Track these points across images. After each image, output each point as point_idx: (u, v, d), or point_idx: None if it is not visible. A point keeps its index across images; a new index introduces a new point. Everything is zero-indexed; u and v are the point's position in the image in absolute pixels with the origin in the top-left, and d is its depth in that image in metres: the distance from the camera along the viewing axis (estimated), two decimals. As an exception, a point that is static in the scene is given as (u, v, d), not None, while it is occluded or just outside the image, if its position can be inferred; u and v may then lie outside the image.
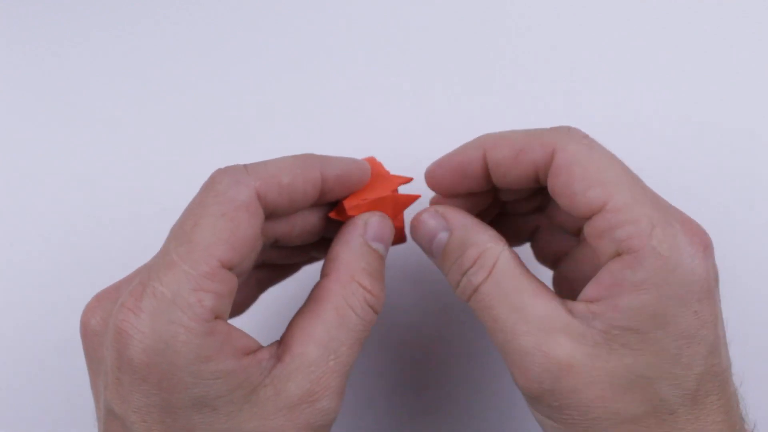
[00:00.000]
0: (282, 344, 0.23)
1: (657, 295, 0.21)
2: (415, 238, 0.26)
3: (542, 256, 0.30)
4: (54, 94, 0.36)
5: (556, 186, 0.23)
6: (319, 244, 0.29)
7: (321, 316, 0.23)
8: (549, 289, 0.24)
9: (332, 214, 0.26)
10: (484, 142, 0.25)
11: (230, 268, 0.21)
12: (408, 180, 0.27)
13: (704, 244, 0.22)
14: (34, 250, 0.35)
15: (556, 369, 0.22)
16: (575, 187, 0.23)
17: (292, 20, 0.36)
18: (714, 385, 0.22)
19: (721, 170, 0.34)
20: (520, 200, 0.28)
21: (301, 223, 0.26)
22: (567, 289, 0.28)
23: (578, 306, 0.22)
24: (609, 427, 0.22)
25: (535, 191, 0.27)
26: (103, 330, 0.22)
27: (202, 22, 0.37)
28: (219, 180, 0.22)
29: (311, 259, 0.30)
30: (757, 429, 0.24)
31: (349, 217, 0.25)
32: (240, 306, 0.28)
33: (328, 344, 0.23)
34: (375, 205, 0.26)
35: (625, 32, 0.36)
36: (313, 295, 0.24)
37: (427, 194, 0.28)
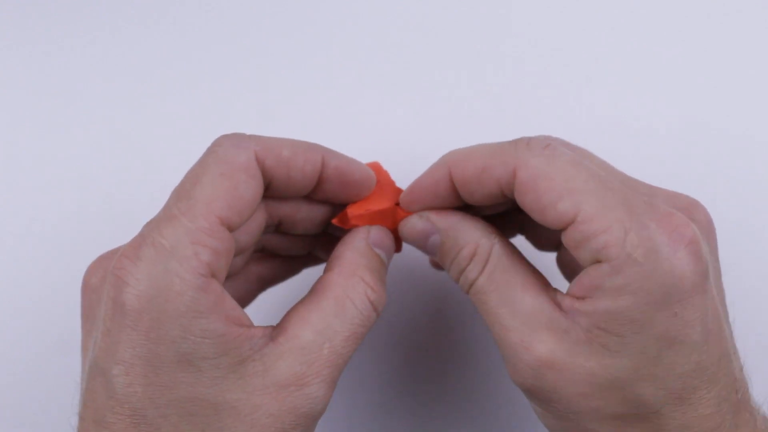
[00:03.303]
0: (277, 328, 0.23)
1: (634, 301, 0.21)
2: (408, 242, 0.27)
3: (538, 246, 0.30)
4: (53, 92, 0.36)
5: (524, 203, 0.23)
6: (322, 243, 0.29)
7: (320, 304, 0.23)
8: (540, 280, 0.24)
9: (335, 221, 0.27)
10: (448, 161, 0.25)
11: (228, 228, 0.22)
12: None
13: (686, 239, 0.21)
14: (32, 249, 0.35)
15: (538, 366, 0.22)
16: (543, 201, 0.22)
17: (291, 20, 0.36)
18: (701, 380, 0.22)
19: (721, 170, 0.34)
20: (497, 212, 0.28)
21: (306, 210, 0.26)
22: (570, 269, 0.28)
23: (566, 300, 0.23)
24: (593, 420, 0.22)
25: (510, 202, 0.27)
26: (102, 286, 0.22)
27: (201, 22, 0.37)
28: (220, 143, 0.23)
29: (314, 260, 0.30)
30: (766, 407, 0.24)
31: (352, 226, 0.26)
32: (239, 302, 0.28)
33: (323, 331, 0.23)
34: (377, 216, 0.26)
35: (625, 32, 0.36)
36: (315, 287, 0.24)
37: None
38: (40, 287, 0.35)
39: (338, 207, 0.27)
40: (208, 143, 0.35)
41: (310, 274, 0.31)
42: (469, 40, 0.36)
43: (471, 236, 0.25)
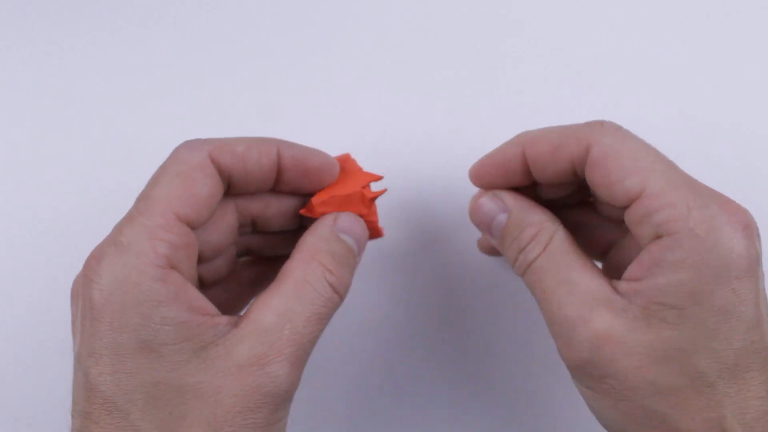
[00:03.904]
0: (242, 316, 0.24)
1: (695, 274, 0.22)
2: (474, 221, 0.28)
3: (589, 248, 0.30)
4: (53, 92, 0.36)
5: (594, 178, 0.25)
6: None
7: (279, 289, 0.24)
8: (597, 267, 0.25)
9: (303, 211, 0.27)
10: (522, 139, 0.26)
11: (188, 224, 0.23)
12: (378, 178, 0.28)
13: (744, 224, 0.23)
14: (32, 248, 0.35)
15: (596, 338, 0.23)
16: (612, 177, 0.24)
17: (291, 20, 0.36)
18: (755, 361, 0.22)
19: (721, 170, 0.34)
20: (560, 196, 0.29)
21: (276, 205, 0.27)
22: (616, 278, 0.29)
23: (621, 284, 0.24)
24: (647, 396, 0.22)
25: (574, 186, 0.28)
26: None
27: (201, 22, 0.37)
28: (177, 148, 0.25)
29: None
30: None
31: (320, 215, 0.26)
32: (230, 306, 0.29)
33: (284, 313, 0.23)
34: (343, 202, 0.27)
35: (625, 32, 0.36)
36: (278, 275, 0.25)
37: (393, 187, 0.28)
38: (40, 287, 0.35)
39: (308, 198, 0.27)
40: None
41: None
42: (469, 40, 0.36)
43: (537, 218, 0.26)
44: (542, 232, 0.25)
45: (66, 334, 0.33)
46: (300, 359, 0.23)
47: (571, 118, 0.35)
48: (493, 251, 0.33)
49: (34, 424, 0.34)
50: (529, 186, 0.28)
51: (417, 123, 0.35)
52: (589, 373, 0.23)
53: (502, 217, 0.27)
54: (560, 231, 0.26)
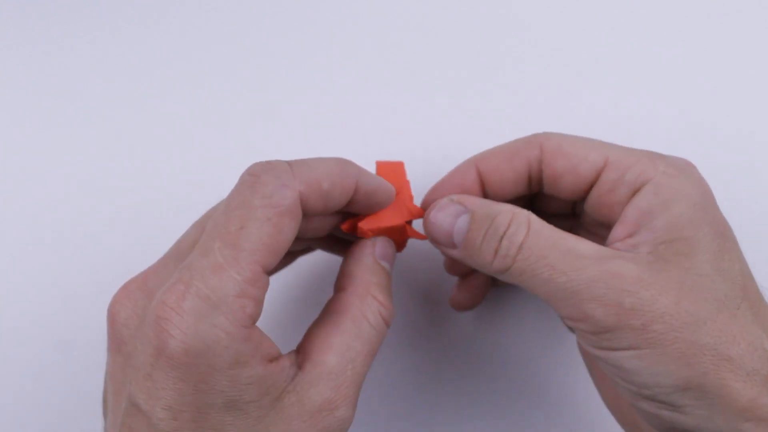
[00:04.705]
0: (301, 353, 0.24)
1: (686, 204, 0.23)
2: (434, 236, 0.27)
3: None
4: (53, 92, 0.36)
5: (556, 168, 0.26)
6: (321, 238, 0.29)
7: (339, 326, 0.24)
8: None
9: (345, 227, 0.27)
10: (474, 159, 0.28)
11: (266, 270, 0.22)
12: (422, 214, 0.28)
13: (694, 167, 0.25)
14: (32, 248, 0.35)
15: (630, 284, 0.22)
16: (574, 159, 0.26)
17: (291, 20, 0.36)
18: (753, 282, 0.24)
19: (721, 170, 0.34)
20: None
21: (319, 220, 0.26)
22: None
23: (615, 245, 0.24)
24: (695, 331, 0.22)
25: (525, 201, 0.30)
26: (135, 323, 0.23)
27: (201, 22, 0.37)
28: (265, 181, 0.22)
29: (308, 250, 0.31)
30: None
31: (363, 235, 0.27)
32: None
33: (345, 353, 0.23)
34: (388, 231, 0.27)
35: (625, 32, 0.36)
36: (331, 308, 0.25)
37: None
38: (40, 287, 0.35)
39: (348, 214, 0.27)
40: (208, 143, 0.35)
41: (303, 265, 0.31)
42: (468, 40, 0.36)
43: (504, 207, 0.25)
44: (518, 214, 0.24)
45: (64, 332, 0.33)
46: (357, 397, 0.24)
47: (571, 118, 0.35)
48: (461, 268, 0.32)
49: None
50: None
51: (417, 123, 0.35)
52: (632, 326, 0.22)
53: (463, 219, 0.26)
54: (533, 214, 0.25)
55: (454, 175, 0.28)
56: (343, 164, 0.25)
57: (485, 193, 0.28)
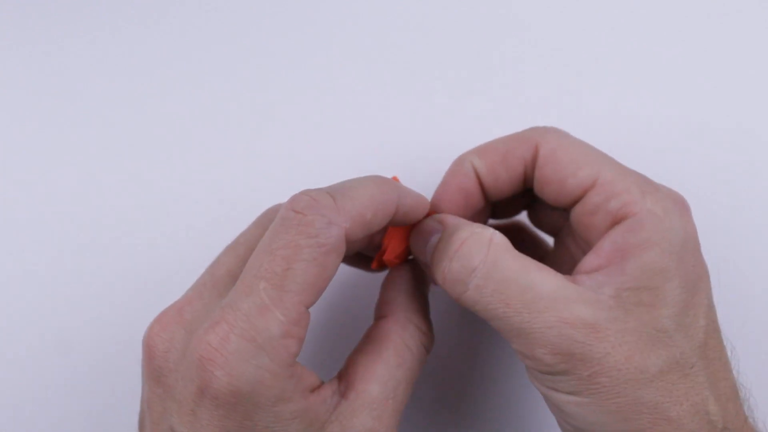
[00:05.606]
0: (343, 381, 0.24)
1: (660, 252, 0.22)
2: (413, 250, 0.27)
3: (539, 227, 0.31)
4: (53, 92, 0.36)
5: (546, 174, 0.25)
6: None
7: (382, 355, 0.24)
8: (545, 265, 0.24)
9: (374, 266, 0.27)
10: (468, 155, 0.27)
11: (309, 308, 0.22)
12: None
13: (685, 206, 0.24)
14: (31, 248, 0.35)
15: (584, 336, 0.22)
16: (565, 170, 0.25)
17: (291, 20, 0.36)
18: (717, 340, 0.23)
19: (721, 170, 0.34)
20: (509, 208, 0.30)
21: (352, 245, 0.26)
22: (569, 257, 0.29)
23: (581, 278, 0.23)
24: (639, 387, 0.22)
25: (524, 203, 0.30)
26: (174, 357, 0.23)
27: (201, 22, 0.37)
28: (311, 221, 0.21)
29: None
30: (752, 395, 0.24)
31: (390, 265, 0.27)
32: None
33: (387, 383, 0.23)
34: (407, 249, 0.27)
35: (625, 32, 0.36)
36: (372, 336, 0.25)
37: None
38: (39, 287, 0.35)
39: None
40: (208, 143, 0.35)
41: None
42: (468, 40, 0.36)
43: (468, 226, 0.24)
44: (477, 234, 0.23)
45: (64, 332, 0.33)
46: (398, 426, 0.24)
47: (571, 118, 0.35)
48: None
49: None
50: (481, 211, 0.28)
51: (417, 123, 0.35)
52: (579, 375, 0.22)
53: (435, 238, 0.25)
54: (497, 234, 0.24)
55: (452, 174, 0.27)
56: (383, 187, 0.24)
57: (485, 194, 0.28)
